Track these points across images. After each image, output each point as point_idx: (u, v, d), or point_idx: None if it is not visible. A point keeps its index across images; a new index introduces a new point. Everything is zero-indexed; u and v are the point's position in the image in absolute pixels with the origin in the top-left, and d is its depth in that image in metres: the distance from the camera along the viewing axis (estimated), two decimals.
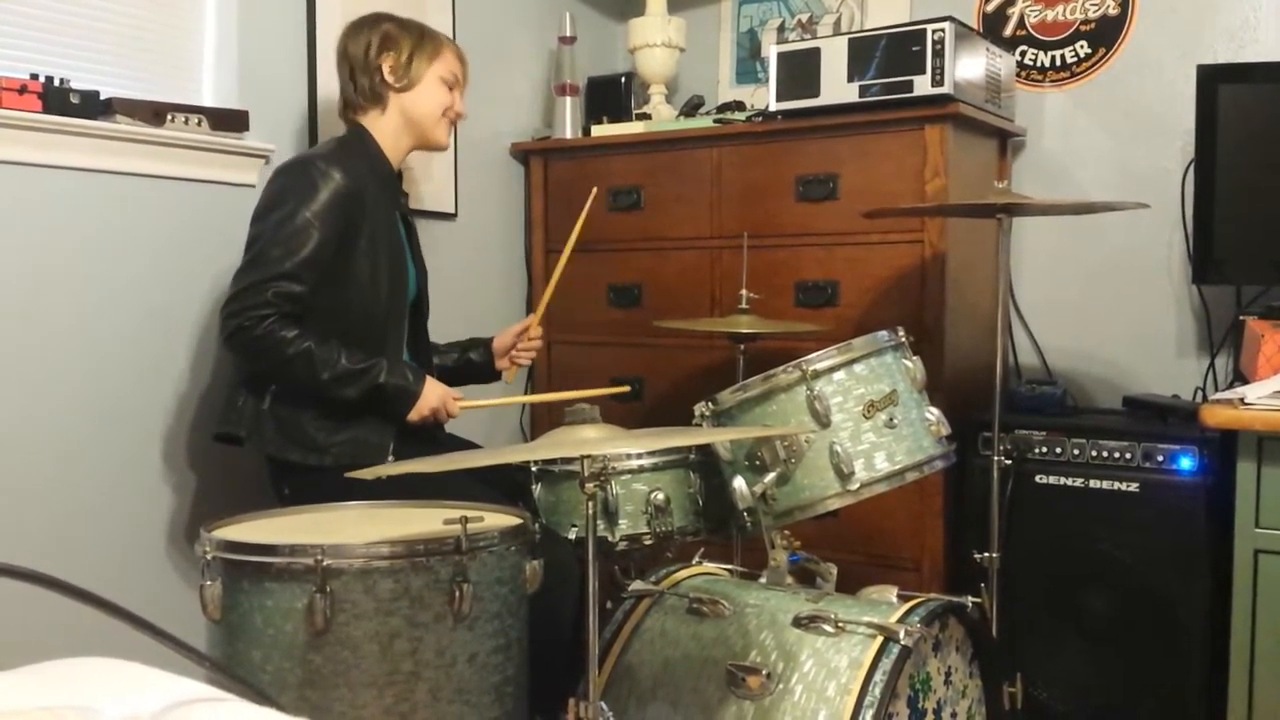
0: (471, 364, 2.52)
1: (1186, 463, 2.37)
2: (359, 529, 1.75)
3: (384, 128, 2.32)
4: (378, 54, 2.30)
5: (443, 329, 2.57)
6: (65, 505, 2.21)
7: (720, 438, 2.01)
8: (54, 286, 2.18)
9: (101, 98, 2.20)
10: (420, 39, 2.34)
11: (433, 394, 2.19)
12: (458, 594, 1.61)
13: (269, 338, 2.06)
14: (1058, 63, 2.98)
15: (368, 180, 2.23)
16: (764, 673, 1.73)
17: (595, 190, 2.52)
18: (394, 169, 2.36)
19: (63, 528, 2.20)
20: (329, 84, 2.48)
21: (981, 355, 2.75)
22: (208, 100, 2.49)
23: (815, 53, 2.71)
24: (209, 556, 1.65)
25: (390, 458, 2.15)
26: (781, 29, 3.38)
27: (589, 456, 1.54)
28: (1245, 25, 2.76)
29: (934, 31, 2.55)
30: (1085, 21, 2.95)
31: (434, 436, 2.29)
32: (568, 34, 3.21)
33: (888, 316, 2.50)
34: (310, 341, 2.08)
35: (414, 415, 2.18)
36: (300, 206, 2.12)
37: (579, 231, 2.44)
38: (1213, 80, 2.55)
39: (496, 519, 1.80)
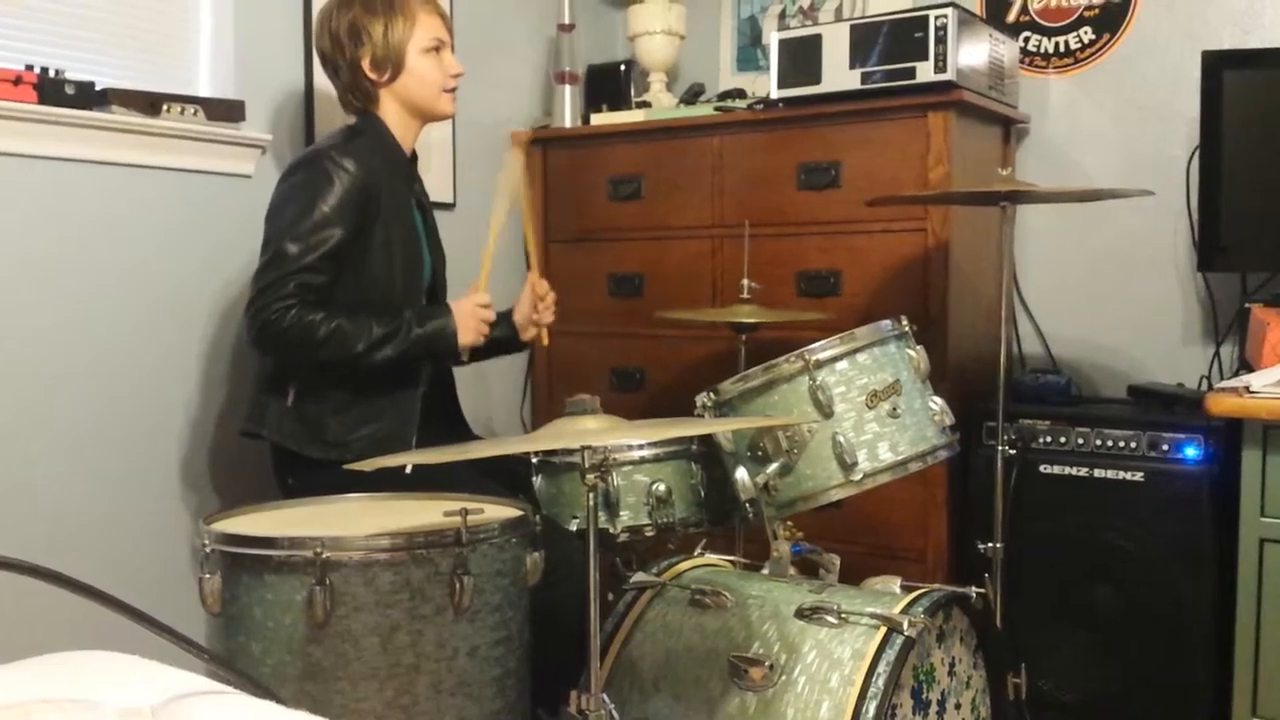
0: (497, 341, 2.44)
1: (1191, 452, 2.35)
2: (359, 521, 1.74)
3: (388, 115, 2.27)
4: (352, 49, 2.21)
5: None
6: (64, 499, 2.20)
7: (722, 428, 2.00)
8: (50, 277, 2.16)
9: (97, 88, 2.19)
10: (390, 12, 2.22)
11: (466, 316, 2.18)
12: (458, 586, 1.60)
13: (297, 325, 2.04)
14: (1061, 49, 2.96)
15: (381, 169, 2.20)
16: (767, 664, 1.72)
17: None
18: (406, 153, 2.32)
19: (62, 522, 2.19)
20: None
21: (985, 344, 2.74)
22: (204, 90, 2.48)
23: (817, 39, 2.69)
24: (208, 549, 1.64)
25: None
26: (783, 15, 3.36)
27: (590, 448, 1.52)
28: (1250, 11, 2.74)
29: (937, 18, 2.53)
30: (1089, 7, 2.92)
31: (447, 430, 2.28)
32: (567, 21, 3.18)
33: (891, 305, 2.49)
34: (340, 319, 2.06)
35: (467, 338, 2.18)
36: (317, 201, 2.09)
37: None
38: (1218, 66, 2.53)
39: (497, 511, 1.79)
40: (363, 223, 2.14)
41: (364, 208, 2.14)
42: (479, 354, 2.34)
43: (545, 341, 2.46)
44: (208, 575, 1.63)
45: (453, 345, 2.17)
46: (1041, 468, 2.49)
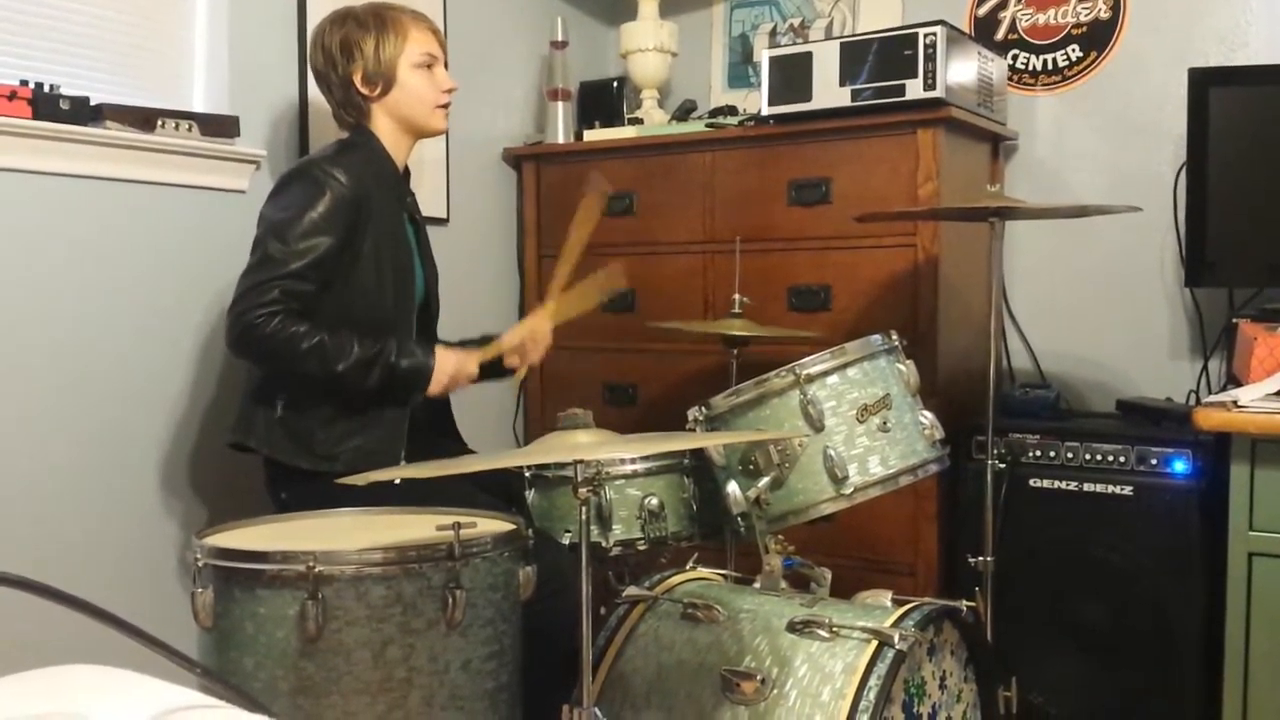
0: (486, 363, 2.47)
1: (1180, 466, 2.37)
2: (352, 535, 1.74)
3: (380, 130, 2.28)
4: (345, 65, 2.23)
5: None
6: (57, 512, 2.19)
7: (714, 442, 2.00)
8: (43, 292, 2.16)
9: (92, 104, 2.19)
10: (381, 29, 2.24)
11: (447, 363, 2.18)
12: (451, 600, 1.60)
13: (279, 334, 2.03)
14: (1049, 66, 2.99)
15: (372, 183, 2.20)
16: (758, 678, 1.73)
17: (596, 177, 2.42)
18: (399, 168, 2.32)
19: (54, 535, 2.19)
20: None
21: (975, 359, 2.75)
22: (198, 106, 2.49)
23: (807, 57, 2.71)
24: (201, 563, 1.64)
25: (402, 464, 2.14)
26: (773, 33, 3.38)
27: (582, 462, 1.53)
28: (1235, 29, 2.77)
29: (926, 35, 2.55)
30: (1077, 25, 2.95)
31: (440, 444, 2.28)
32: (559, 38, 3.20)
33: (881, 320, 2.50)
34: (323, 334, 2.06)
35: (434, 389, 2.17)
36: (306, 210, 2.10)
37: (581, 230, 2.37)
38: (1204, 84, 2.56)
39: (490, 525, 1.79)
40: (351, 234, 2.15)
41: (352, 219, 2.14)
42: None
43: (519, 375, 2.44)
44: (200, 589, 1.63)
45: (423, 388, 2.16)
46: (1031, 481, 2.50)
